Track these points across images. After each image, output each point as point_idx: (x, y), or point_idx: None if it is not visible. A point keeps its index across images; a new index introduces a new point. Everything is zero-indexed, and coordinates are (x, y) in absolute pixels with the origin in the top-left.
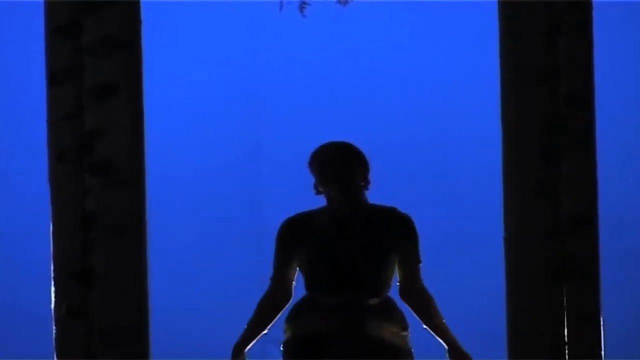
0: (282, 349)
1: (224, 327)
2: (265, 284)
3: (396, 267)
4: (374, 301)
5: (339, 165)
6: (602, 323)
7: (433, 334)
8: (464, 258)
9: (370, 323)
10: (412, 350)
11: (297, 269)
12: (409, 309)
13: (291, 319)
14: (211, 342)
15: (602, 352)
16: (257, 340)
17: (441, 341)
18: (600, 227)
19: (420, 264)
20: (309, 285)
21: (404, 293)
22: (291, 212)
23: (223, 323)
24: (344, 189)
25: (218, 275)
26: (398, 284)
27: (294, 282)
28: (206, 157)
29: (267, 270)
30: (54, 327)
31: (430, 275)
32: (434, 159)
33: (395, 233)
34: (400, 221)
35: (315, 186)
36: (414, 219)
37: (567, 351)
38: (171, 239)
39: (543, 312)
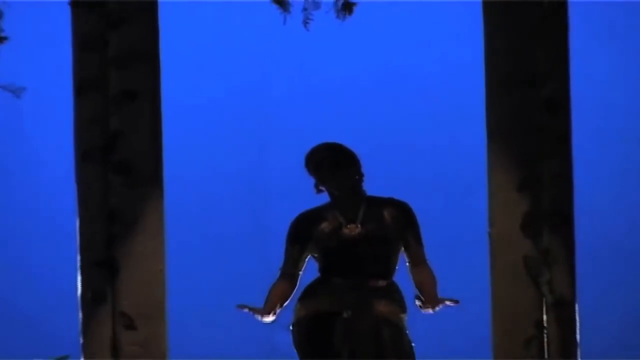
0: (291, 328)
1: (225, 327)
2: (268, 281)
3: (402, 251)
4: (381, 283)
5: (333, 163)
6: (577, 309)
7: (424, 307)
8: (452, 251)
9: (377, 302)
10: (408, 331)
11: (306, 260)
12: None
13: (304, 299)
14: (215, 341)
15: (578, 336)
16: (266, 328)
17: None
18: (576, 222)
19: (424, 246)
20: (323, 269)
21: (411, 271)
22: (295, 213)
23: (223, 323)
24: (342, 184)
25: (223, 274)
26: (407, 264)
27: (301, 273)
28: (218, 158)
29: (268, 271)
30: (80, 312)
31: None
32: (429, 162)
33: (396, 222)
34: (399, 210)
35: (316, 185)
36: (411, 205)
37: (545, 333)
38: (184, 235)
39: (524, 299)
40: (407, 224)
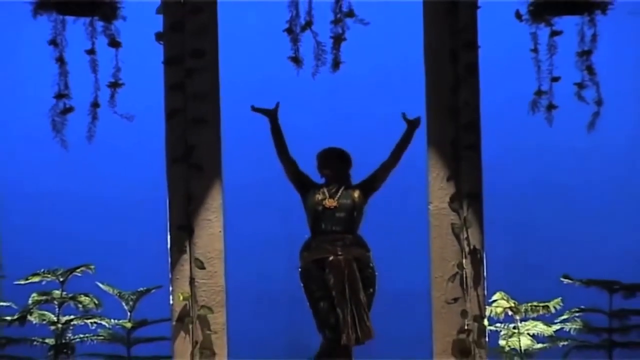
0: (299, 270)
1: (263, 270)
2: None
3: (363, 207)
4: (349, 236)
5: (325, 161)
6: (484, 256)
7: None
8: (403, 220)
9: (351, 248)
10: (372, 264)
11: (292, 170)
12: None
13: (304, 251)
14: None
15: (485, 273)
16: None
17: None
18: (484, 200)
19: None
20: (312, 230)
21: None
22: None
23: (263, 268)
24: (329, 174)
25: (266, 234)
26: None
27: (293, 163)
28: (262, 158)
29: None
30: (169, 257)
31: (377, 234)
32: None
33: (356, 192)
34: (357, 185)
35: (321, 173)
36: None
37: (464, 271)
38: (237, 209)
39: (451, 249)
40: (360, 184)
